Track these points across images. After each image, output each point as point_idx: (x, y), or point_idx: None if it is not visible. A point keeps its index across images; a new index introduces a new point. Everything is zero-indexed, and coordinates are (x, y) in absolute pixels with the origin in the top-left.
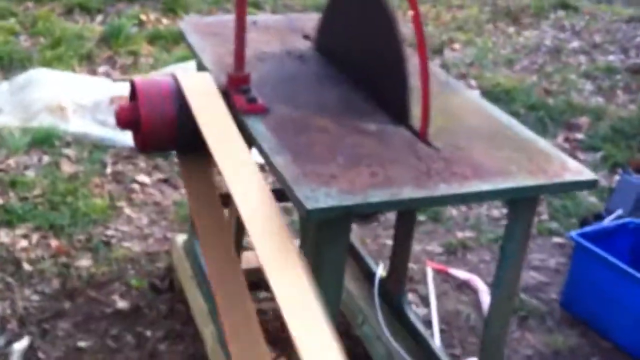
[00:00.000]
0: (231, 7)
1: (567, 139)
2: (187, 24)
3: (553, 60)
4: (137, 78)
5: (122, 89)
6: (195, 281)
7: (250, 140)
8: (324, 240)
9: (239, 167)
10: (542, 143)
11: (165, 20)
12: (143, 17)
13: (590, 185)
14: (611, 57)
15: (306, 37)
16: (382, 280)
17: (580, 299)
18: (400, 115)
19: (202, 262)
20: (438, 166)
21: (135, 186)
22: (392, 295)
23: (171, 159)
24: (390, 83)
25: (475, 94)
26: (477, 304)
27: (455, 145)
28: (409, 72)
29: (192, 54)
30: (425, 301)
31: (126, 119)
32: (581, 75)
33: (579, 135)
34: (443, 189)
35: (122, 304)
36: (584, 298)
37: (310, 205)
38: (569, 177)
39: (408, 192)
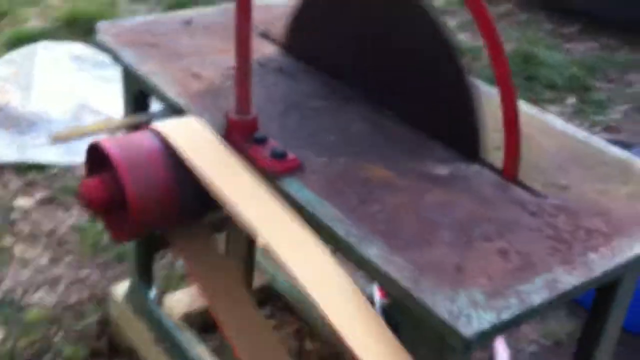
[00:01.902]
0: None
1: None
2: (106, 33)
3: None
4: (102, 140)
5: None
6: (160, 348)
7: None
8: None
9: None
10: (636, 160)
11: None
12: None
13: None
14: None
15: (264, 35)
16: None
17: None
18: (469, 148)
19: (169, 325)
20: (563, 224)
21: (16, 214)
22: None
23: (48, 171)
24: (446, 103)
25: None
26: None
27: (555, 183)
28: (473, 87)
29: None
30: None
31: (102, 200)
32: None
33: None
34: (598, 263)
35: None
36: None
37: (469, 329)
38: None
39: (566, 279)
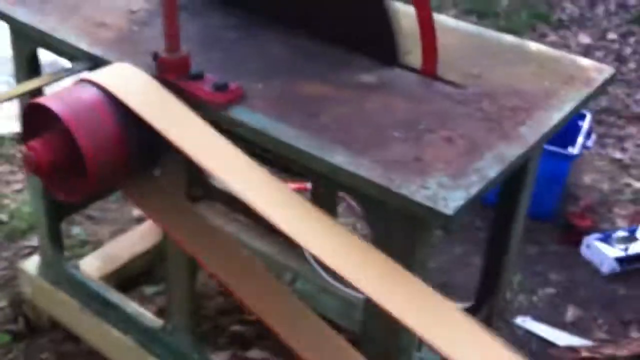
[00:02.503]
0: None
1: None
2: None
3: None
4: (42, 99)
5: None
6: (89, 312)
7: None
8: (420, 241)
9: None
10: (533, 45)
11: None
12: None
13: (610, 80)
14: None
15: None
16: None
17: None
18: (387, 54)
19: (96, 287)
20: (489, 107)
21: None
22: None
23: None
24: (361, 14)
25: None
26: None
27: (468, 74)
28: None
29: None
30: None
31: (51, 162)
32: None
33: None
34: (530, 133)
35: None
36: None
37: (448, 208)
38: (597, 77)
39: (510, 151)
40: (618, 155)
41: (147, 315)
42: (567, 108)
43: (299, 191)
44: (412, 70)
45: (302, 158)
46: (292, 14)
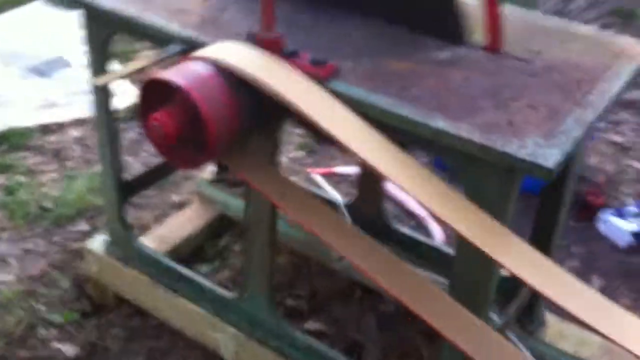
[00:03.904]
0: None
1: None
2: None
3: None
4: (161, 73)
5: None
6: (160, 286)
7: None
8: (512, 195)
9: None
10: (575, 26)
11: None
12: None
13: None
14: None
15: None
16: (350, 207)
17: None
18: (455, 34)
19: (169, 264)
20: (558, 78)
21: None
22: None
23: None
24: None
25: None
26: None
27: (531, 50)
28: None
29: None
30: None
31: (175, 132)
32: None
33: None
34: (598, 101)
35: (69, 349)
36: None
37: (549, 162)
38: None
39: (586, 116)
40: (617, 138)
41: (220, 288)
42: (623, 79)
43: (326, 176)
44: (478, 48)
45: (405, 124)
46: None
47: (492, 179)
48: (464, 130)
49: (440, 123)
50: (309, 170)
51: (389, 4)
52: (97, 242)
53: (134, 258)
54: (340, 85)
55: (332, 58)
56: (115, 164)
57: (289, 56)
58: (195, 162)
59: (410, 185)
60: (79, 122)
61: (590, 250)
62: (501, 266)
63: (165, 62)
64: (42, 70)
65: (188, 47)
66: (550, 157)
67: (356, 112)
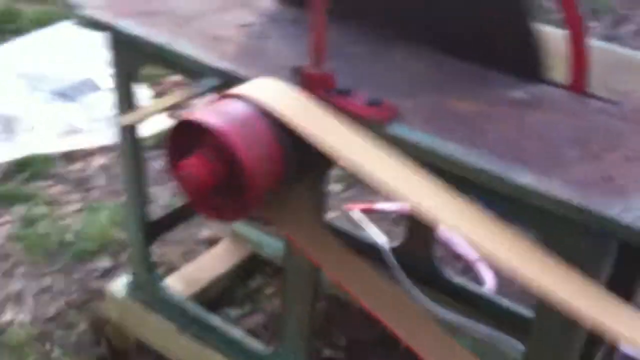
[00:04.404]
0: None
1: None
2: (92, 6)
3: None
4: (194, 114)
5: None
6: (187, 335)
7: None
8: (605, 266)
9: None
10: None
11: None
12: None
13: None
14: None
15: None
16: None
17: None
18: (530, 70)
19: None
20: None
21: None
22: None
23: None
24: (498, 29)
25: None
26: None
27: (616, 90)
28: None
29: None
30: None
31: (210, 180)
32: None
33: None
34: None
35: None
36: None
37: None
38: None
39: None
40: None
41: (252, 340)
42: None
43: (366, 212)
44: (559, 86)
45: (482, 177)
46: (419, 29)
47: (585, 245)
48: (557, 187)
49: (526, 178)
50: (347, 206)
51: (453, 32)
52: (119, 284)
53: (158, 303)
54: (401, 129)
55: (389, 96)
56: (141, 202)
57: (342, 95)
58: (232, 215)
59: (489, 244)
60: (104, 150)
61: None
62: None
63: (199, 99)
64: (68, 94)
65: (224, 82)
66: None
67: (420, 162)
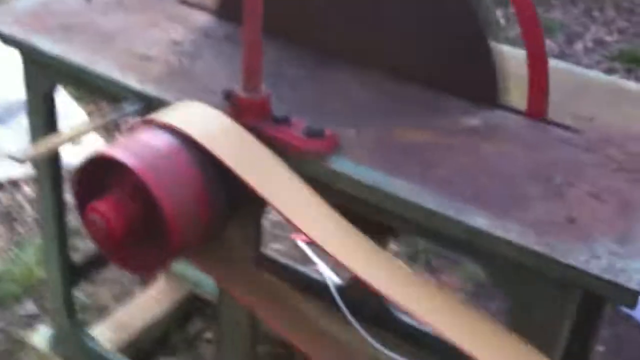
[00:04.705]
0: None
1: None
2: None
3: None
4: (106, 150)
5: None
6: None
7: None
8: (568, 313)
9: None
10: (625, 82)
11: None
12: None
13: None
14: None
15: (186, 2)
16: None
17: None
18: (485, 94)
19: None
20: (617, 154)
21: None
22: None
23: None
24: (451, 50)
25: None
26: None
27: (580, 116)
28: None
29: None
30: None
31: (124, 227)
32: None
33: None
34: None
35: None
36: None
37: (633, 282)
38: None
39: None
40: None
41: None
42: None
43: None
44: (515, 112)
45: (432, 220)
46: (363, 49)
47: (546, 295)
48: (514, 231)
49: (479, 220)
50: (293, 236)
51: (399, 52)
52: (40, 336)
53: (84, 357)
54: (343, 164)
55: (330, 124)
56: (61, 239)
57: (278, 123)
58: (152, 266)
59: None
60: (36, 179)
61: (617, 333)
62: None
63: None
64: (0, 117)
65: (147, 106)
66: (635, 273)
67: (363, 201)
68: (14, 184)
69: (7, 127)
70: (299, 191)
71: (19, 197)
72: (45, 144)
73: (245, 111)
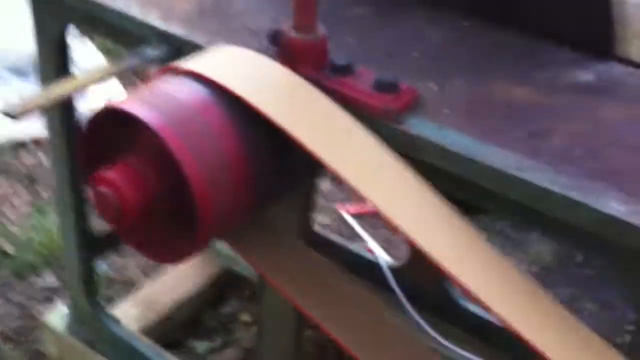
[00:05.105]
0: None
1: None
2: None
3: None
4: (122, 103)
5: None
6: None
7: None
8: None
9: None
10: None
11: None
12: None
13: None
14: None
15: None
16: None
17: None
18: (598, 43)
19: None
20: None
21: None
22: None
23: None
24: None
25: None
26: None
27: None
28: None
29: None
30: None
31: (141, 202)
32: None
33: None
34: None
35: None
36: None
37: None
38: None
39: None
40: None
41: None
42: None
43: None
44: (637, 66)
45: (545, 203)
46: None
47: None
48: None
49: (613, 205)
50: (338, 207)
51: None
52: (58, 316)
53: (102, 340)
54: (423, 126)
55: (404, 76)
56: (78, 207)
57: (339, 74)
58: (176, 253)
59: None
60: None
61: None
62: None
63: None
64: (23, 70)
65: (173, 52)
66: None
67: (446, 173)
68: (37, 142)
69: (30, 82)
70: (380, 160)
71: (43, 157)
72: (31, 103)
73: (298, 57)
